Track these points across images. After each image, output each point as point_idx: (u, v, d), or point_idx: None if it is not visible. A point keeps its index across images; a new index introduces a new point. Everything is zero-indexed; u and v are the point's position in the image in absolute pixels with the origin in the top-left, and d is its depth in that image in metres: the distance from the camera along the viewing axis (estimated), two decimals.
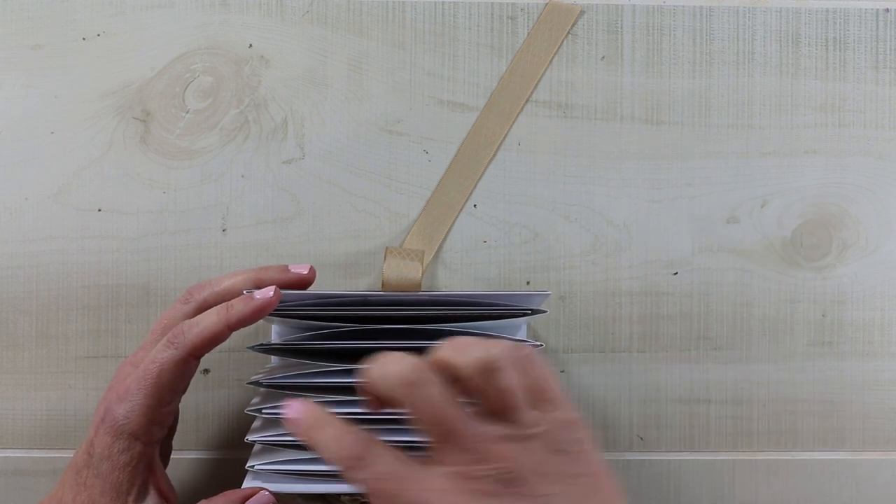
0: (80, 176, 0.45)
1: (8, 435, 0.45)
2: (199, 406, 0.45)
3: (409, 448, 0.31)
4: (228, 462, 0.45)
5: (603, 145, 0.46)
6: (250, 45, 0.45)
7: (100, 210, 0.45)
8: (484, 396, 0.29)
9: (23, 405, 0.45)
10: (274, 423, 0.37)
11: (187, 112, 0.45)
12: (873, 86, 0.46)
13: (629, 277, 0.46)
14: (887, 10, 0.46)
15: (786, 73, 0.46)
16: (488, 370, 0.28)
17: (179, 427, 0.40)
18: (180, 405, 0.38)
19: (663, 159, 0.46)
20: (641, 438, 0.46)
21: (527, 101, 0.45)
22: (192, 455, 0.45)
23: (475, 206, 0.46)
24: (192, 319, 0.35)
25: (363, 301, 0.37)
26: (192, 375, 0.36)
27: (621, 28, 0.46)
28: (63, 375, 0.45)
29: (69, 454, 0.45)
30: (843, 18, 0.46)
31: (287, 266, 0.39)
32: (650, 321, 0.46)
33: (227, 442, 0.45)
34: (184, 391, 0.36)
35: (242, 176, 0.45)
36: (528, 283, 0.45)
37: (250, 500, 0.35)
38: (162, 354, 0.34)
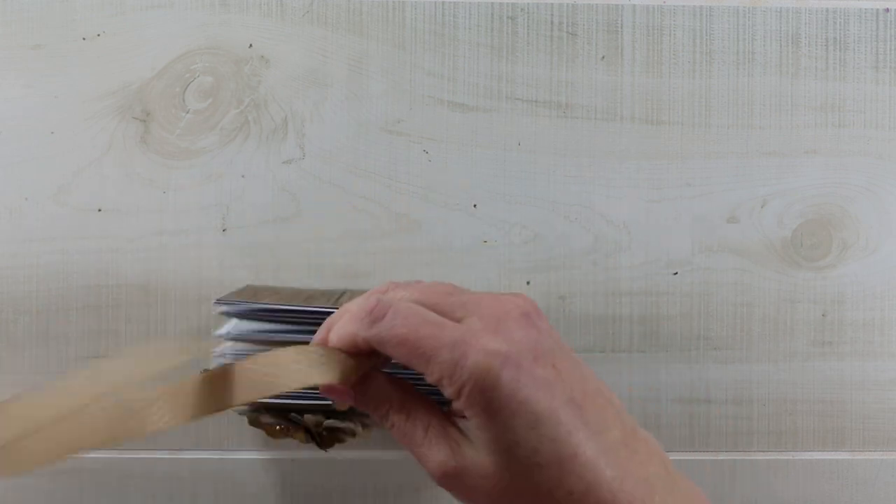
0: (80, 176, 0.45)
1: None
2: None
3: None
4: (228, 462, 0.45)
5: (603, 145, 0.46)
6: (250, 45, 0.45)
7: (100, 210, 0.45)
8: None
9: None
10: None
11: (187, 112, 0.45)
12: (873, 86, 0.46)
13: (629, 277, 0.46)
14: (887, 10, 0.46)
15: (786, 73, 0.46)
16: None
17: (180, 427, 0.39)
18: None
19: (663, 159, 0.46)
20: None
21: None
22: (193, 455, 0.45)
23: (475, 205, 0.46)
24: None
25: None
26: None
27: (621, 28, 0.46)
28: (63, 375, 0.45)
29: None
30: (843, 18, 0.46)
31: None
32: (650, 321, 0.46)
33: (228, 442, 0.45)
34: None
35: (242, 176, 0.45)
36: (528, 283, 0.45)
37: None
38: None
